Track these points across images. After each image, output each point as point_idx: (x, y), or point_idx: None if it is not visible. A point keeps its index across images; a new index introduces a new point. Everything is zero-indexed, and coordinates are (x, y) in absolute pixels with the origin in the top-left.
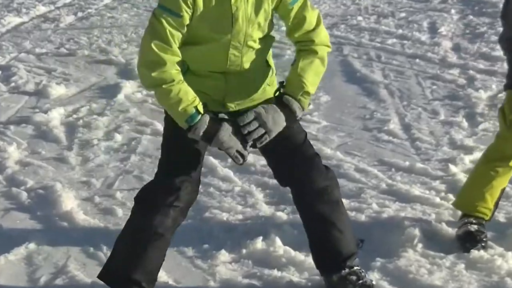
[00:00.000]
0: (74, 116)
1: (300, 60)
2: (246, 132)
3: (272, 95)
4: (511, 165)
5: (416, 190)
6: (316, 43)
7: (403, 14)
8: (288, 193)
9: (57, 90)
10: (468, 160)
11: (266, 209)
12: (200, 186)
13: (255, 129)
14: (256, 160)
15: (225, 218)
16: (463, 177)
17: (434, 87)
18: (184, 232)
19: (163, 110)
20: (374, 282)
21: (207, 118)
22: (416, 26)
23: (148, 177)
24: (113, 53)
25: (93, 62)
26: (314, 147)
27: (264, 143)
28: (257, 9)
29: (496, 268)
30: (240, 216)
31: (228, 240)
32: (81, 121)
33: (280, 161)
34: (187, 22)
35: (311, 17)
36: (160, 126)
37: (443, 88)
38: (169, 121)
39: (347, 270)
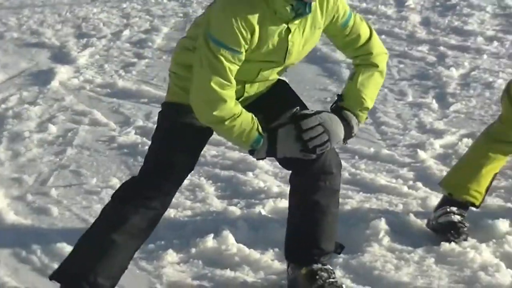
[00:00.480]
0: (3, 106)
1: (360, 74)
2: (308, 138)
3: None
4: (510, 150)
5: (382, 179)
6: (374, 55)
7: None
8: (242, 186)
9: None
10: (438, 145)
11: (217, 204)
12: None
13: (318, 135)
14: (206, 150)
15: (172, 215)
16: (433, 163)
17: (401, 65)
18: None
19: (101, 98)
20: (344, 286)
21: (265, 136)
22: None
23: (87, 172)
24: (46, 35)
25: (23, 46)
26: None
27: (324, 150)
28: (308, 41)
29: (469, 262)
30: (189, 212)
31: (175, 239)
32: (10, 111)
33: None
34: (244, 56)
35: (364, 30)
36: (99, 115)
37: (411, 66)
38: (169, 116)
39: (319, 265)
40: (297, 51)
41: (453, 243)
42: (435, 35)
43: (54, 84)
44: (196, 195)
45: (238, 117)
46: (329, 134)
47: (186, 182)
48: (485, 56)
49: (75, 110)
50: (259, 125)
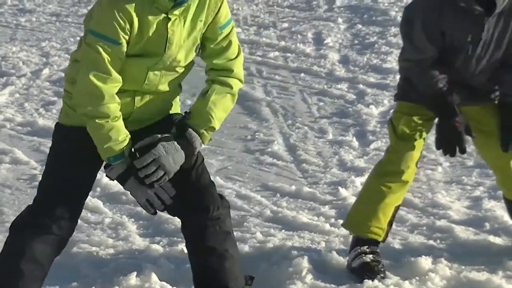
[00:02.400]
0: None
1: (213, 93)
2: (143, 175)
3: (173, 111)
4: (404, 179)
5: (304, 217)
6: (233, 75)
7: (285, 25)
8: (164, 224)
9: None
10: (360, 182)
11: (140, 242)
12: None
13: (153, 172)
14: None
15: (94, 253)
16: (354, 201)
17: (321, 103)
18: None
19: (22, 136)
20: None
21: (125, 164)
22: (300, 37)
23: (8, 210)
24: None
25: None
26: None
27: (163, 183)
28: (190, 33)
29: None
30: (111, 250)
31: (98, 278)
32: None
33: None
34: (125, 48)
35: (235, 46)
36: (20, 154)
37: (331, 104)
38: (61, 138)
39: None
40: (178, 43)
41: (376, 281)
42: (354, 73)
43: None
44: (118, 233)
45: (112, 120)
46: (165, 169)
47: (108, 220)
48: None
49: None
50: (127, 146)
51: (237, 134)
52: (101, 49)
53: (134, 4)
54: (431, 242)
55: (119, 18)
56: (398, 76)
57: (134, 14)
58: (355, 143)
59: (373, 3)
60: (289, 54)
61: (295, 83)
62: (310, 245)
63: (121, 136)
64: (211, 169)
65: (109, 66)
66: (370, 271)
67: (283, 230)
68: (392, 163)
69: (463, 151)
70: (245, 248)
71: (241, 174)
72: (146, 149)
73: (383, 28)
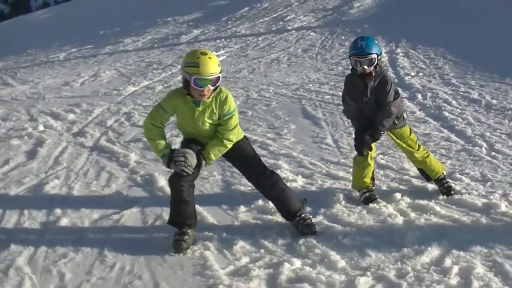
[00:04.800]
0: None
1: (216, 140)
2: (175, 161)
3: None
4: (367, 163)
5: (340, 173)
6: (224, 138)
7: (332, 83)
8: None
9: None
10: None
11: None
12: None
13: (180, 160)
14: None
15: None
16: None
17: (348, 120)
18: None
19: None
20: (314, 223)
21: (167, 158)
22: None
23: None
24: None
25: None
26: (286, 152)
27: (181, 169)
28: (210, 118)
29: (383, 213)
30: None
31: None
32: None
33: (249, 174)
34: (170, 115)
35: (230, 124)
36: None
37: None
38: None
39: (297, 218)
40: (202, 123)
41: (374, 204)
42: None
43: None
44: None
45: (155, 140)
46: (186, 161)
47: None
48: None
49: None
50: (166, 149)
51: (309, 135)
52: (157, 112)
53: (180, 101)
54: (401, 186)
55: (172, 102)
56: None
57: (177, 104)
58: None
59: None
60: (335, 97)
61: (337, 111)
62: (344, 186)
63: (158, 148)
64: (296, 150)
65: (158, 120)
66: (370, 199)
67: (331, 180)
68: (356, 156)
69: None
70: (309, 186)
71: (310, 153)
72: (179, 150)
73: None
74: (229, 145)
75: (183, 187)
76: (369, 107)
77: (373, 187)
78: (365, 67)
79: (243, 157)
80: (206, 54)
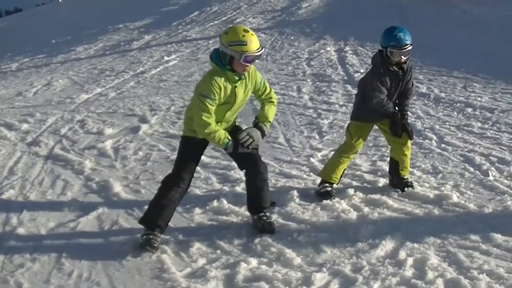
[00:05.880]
0: None
1: (265, 106)
2: (242, 141)
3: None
4: (351, 157)
5: (294, 171)
6: (272, 98)
7: (283, 83)
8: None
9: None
10: (319, 155)
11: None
12: None
13: (247, 140)
14: None
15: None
16: (325, 164)
17: (300, 119)
18: None
19: (162, 138)
20: (275, 222)
21: (232, 143)
22: (290, 88)
23: (159, 174)
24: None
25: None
26: None
27: (252, 145)
28: (245, 91)
29: (336, 209)
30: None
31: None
32: None
33: (243, 161)
34: (217, 101)
35: (267, 87)
36: (161, 147)
37: (305, 119)
38: (184, 141)
39: (261, 214)
40: (241, 97)
41: (329, 200)
42: (315, 105)
43: None
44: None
45: (217, 131)
46: (253, 138)
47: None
48: None
49: None
50: (229, 136)
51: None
52: (206, 103)
53: (222, 80)
54: (353, 182)
55: (216, 87)
56: (336, 106)
57: (222, 85)
58: (317, 136)
59: (324, 72)
60: (286, 96)
61: (288, 110)
62: (297, 185)
63: (222, 136)
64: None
65: (211, 111)
66: (330, 194)
67: (284, 178)
68: (347, 149)
69: (409, 136)
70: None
71: (263, 153)
72: (242, 132)
73: (329, 84)
74: (276, 102)
75: (178, 191)
76: (395, 94)
77: (337, 183)
78: (403, 57)
79: None
80: (248, 31)
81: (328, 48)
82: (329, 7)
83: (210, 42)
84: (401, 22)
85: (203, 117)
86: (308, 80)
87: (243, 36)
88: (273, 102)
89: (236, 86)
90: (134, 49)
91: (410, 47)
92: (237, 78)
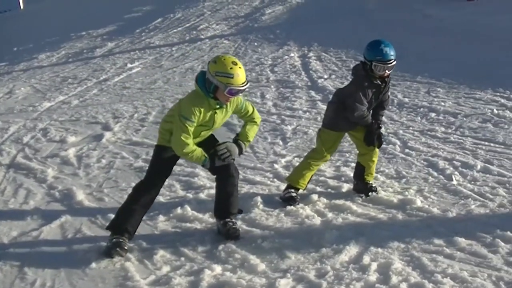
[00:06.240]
0: None
1: (247, 125)
2: (219, 154)
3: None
4: (320, 164)
5: (258, 177)
6: (255, 119)
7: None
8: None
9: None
10: (283, 161)
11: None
12: None
13: (224, 152)
14: None
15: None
16: (293, 169)
17: (264, 125)
18: None
19: (125, 146)
20: (240, 230)
21: (209, 159)
22: (254, 95)
23: (122, 182)
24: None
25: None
26: None
27: (229, 159)
28: (224, 117)
29: (300, 214)
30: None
31: None
32: None
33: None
34: (196, 124)
35: (249, 108)
36: (124, 154)
37: (269, 125)
38: (158, 150)
39: (228, 219)
40: (219, 122)
41: (293, 206)
42: (279, 111)
43: None
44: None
45: (194, 151)
46: (230, 152)
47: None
48: None
49: None
50: (205, 153)
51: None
52: (186, 125)
53: (203, 106)
54: (317, 188)
55: (196, 110)
56: (300, 112)
57: (202, 110)
58: (280, 142)
59: (287, 78)
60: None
61: None
62: (261, 191)
63: (199, 154)
64: None
65: (190, 132)
66: (293, 201)
67: (248, 185)
68: (317, 156)
69: (380, 145)
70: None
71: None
72: (220, 145)
73: (292, 90)
74: (259, 122)
75: (148, 198)
76: (373, 105)
77: (304, 189)
78: (387, 71)
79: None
80: (237, 64)
81: (292, 54)
82: (292, 13)
83: (173, 49)
84: (364, 27)
85: (182, 137)
86: (272, 86)
87: (231, 68)
88: (255, 122)
89: (216, 112)
90: (97, 56)
91: (395, 62)
92: (218, 106)
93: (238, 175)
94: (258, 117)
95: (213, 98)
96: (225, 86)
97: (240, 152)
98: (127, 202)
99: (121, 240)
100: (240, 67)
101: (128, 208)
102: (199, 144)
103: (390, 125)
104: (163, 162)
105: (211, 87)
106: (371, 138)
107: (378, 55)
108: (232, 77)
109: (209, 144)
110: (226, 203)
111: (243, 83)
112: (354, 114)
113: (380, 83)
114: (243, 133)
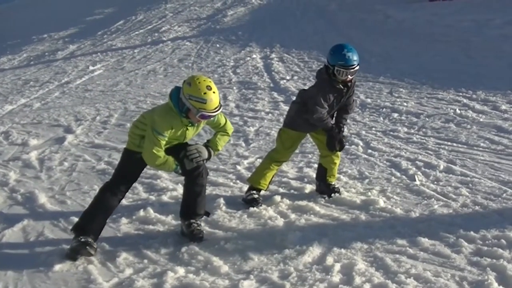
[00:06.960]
0: None
1: (218, 134)
2: (189, 155)
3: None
4: (280, 164)
5: (220, 179)
6: (227, 130)
7: None
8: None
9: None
10: (246, 163)
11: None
12: None
13: (194, 153)
14: None
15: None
16: (255, 169)
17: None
18: None
19: (87, 148)
20: (204, 232)
21: (179, 164)
22: None
23: (84, 184)
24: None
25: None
26: None
27: (199, 160)
28: (196, 131)
29: (263, 215)
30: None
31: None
32: None
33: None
34: (167, 137)
35: (222, 120)
36: (86, 157)
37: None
38: (126, 154)
39: (192, 220)
40: (190, 136)
41: (255, 208)
42: (242, 112)
43: None
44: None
45: (166, 161)
46: (200, 154)
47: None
48: None
49: None
50: (175, 160)
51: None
52: (158, 138)
53: (175, 122)
54: (280, 189)
55: (168, 126)
56: (262, 114)
57: (173, 125)
58: (243, 144)
59: (250, 80)
60: None
61: None
62: (224, 192)
63: (171, 163)
64: None
65: (161, 145)
66: (256, 203)
67: (211, 187)
68: (277, 156)
69: (341, 148)
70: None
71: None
72: (190, 147)
73: (255, 91)
74: (231, 133)
75: (114, 200)
76: (335, 108)
77: (266, 190)
78: (350, 76)
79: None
80: (211, 88)
81: (254, 56)
82: (254, 14)
83: (135, 51)
84: (326, 28)
85: (154, 151)
86: (234, 87)
87: (205, 93)
88: (227, 133)
89: (187, 129)
90: (59, 59)
91: (358, 67)
92: (189, 124)
93: (207, 176)
94: (230, 128)
95: (185, 117)
96: (197, 110)
97: (209, 157)
98: (92, 204)
99: (89, 239)
100: (214, 92)
101: (94, 210)
102: (170, 148)
103: (353, 125)
104: (130, 166)
105: (184, 108)
106: (332, 143)
107: (341, 60)
108: (205, 103)
109: (180, 147)
110: (193, 203)
111: (215, 108)
112: (313, 116)
113: (342, 87)
114: (214, 141)
